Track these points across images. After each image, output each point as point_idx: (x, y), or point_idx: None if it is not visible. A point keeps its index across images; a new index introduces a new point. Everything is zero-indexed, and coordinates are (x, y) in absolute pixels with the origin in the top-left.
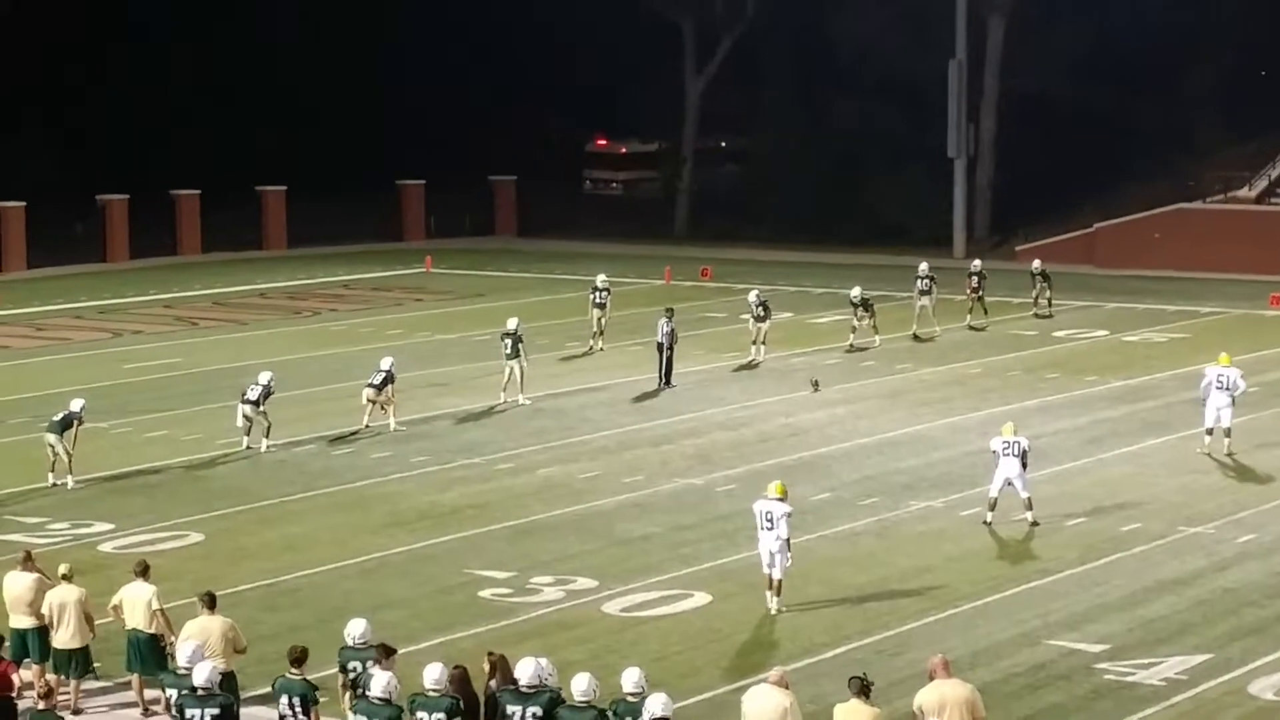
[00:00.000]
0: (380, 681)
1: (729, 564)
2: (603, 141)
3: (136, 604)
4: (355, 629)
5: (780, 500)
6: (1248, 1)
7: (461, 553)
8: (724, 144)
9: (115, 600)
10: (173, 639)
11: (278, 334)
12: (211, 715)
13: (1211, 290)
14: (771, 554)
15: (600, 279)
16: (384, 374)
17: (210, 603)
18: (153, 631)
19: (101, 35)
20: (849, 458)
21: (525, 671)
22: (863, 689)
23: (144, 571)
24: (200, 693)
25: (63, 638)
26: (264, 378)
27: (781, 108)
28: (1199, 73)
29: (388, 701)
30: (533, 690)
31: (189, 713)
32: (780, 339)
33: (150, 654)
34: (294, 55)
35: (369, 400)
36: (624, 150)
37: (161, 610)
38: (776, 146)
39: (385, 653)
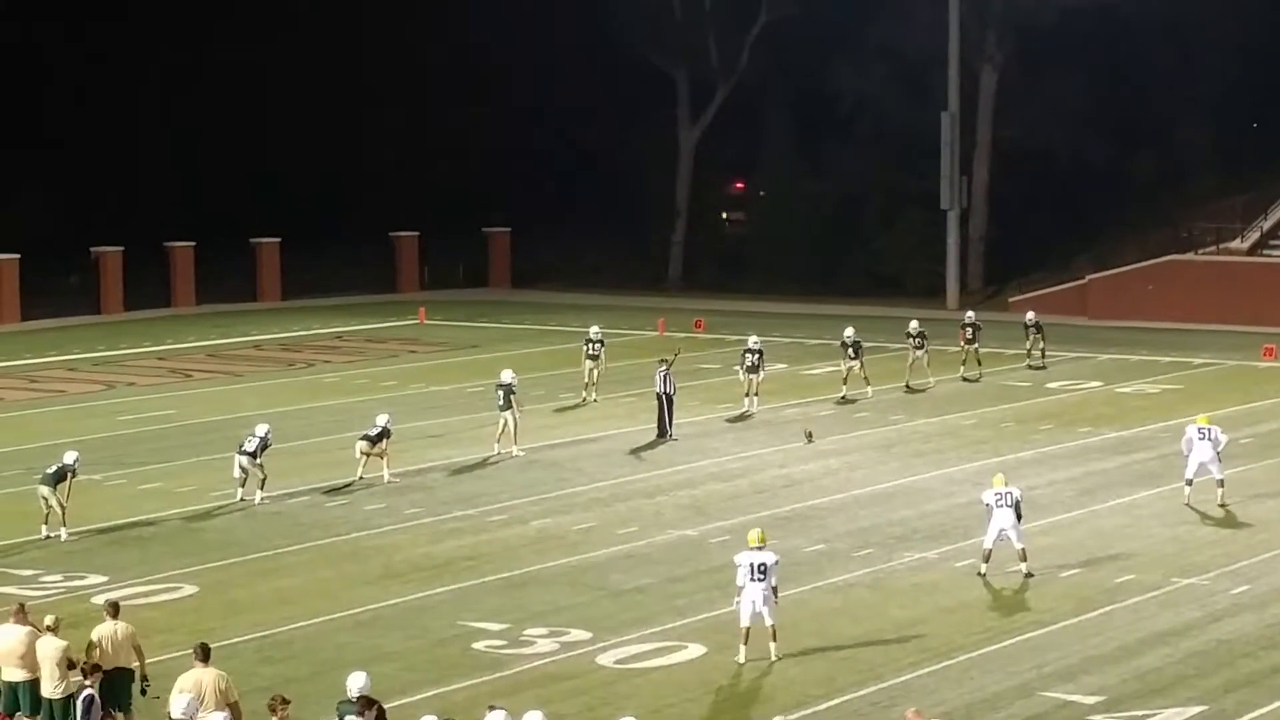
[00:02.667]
0: None
1: (723, 616)
2: (740, 184)
3: (121, 641)
4: (355, 682)
5: (765, 549)
6: (1241, 53)
7: (455, 605)
8: (726, 215)
9: (95, 638)
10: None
11: (272, 386)
12: None
13: (1204, 342)
14: (759, 603)
15: (594, 330)
16: (380, 429)
17: (204, 655)
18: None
19: (96, 88)
20: (843, 509)
21: None
22: None
23: (115, 611)
24: None
25: (46, 688)
26: (261, 430)
27: (777, 159)
28: (1192, 124)
29: None
30: None
31: None
32: (774, 390)
33: (131, 689)
34: (287, 107)
35: (363, 453)
36: (762, 194)
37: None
38: (772, 197)
39: (366, 704)
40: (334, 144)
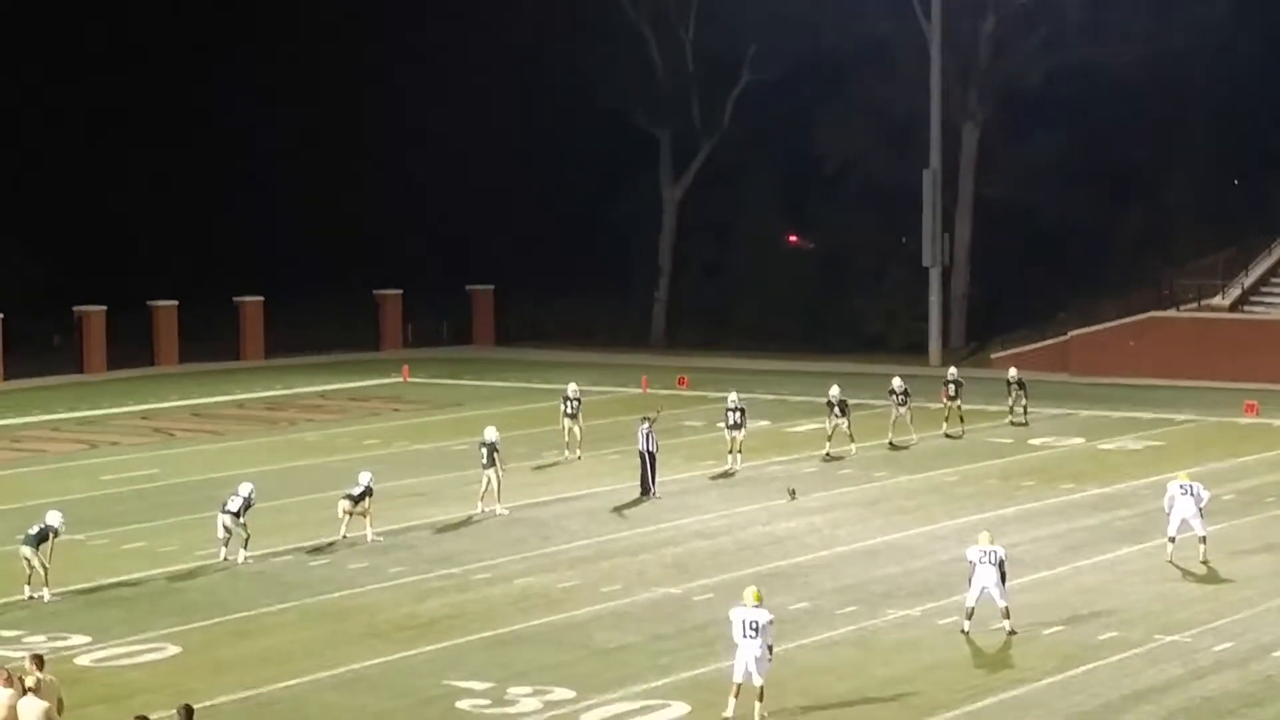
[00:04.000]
0: None
1: (708, 673)
2: (794, 239)
3: (51, 694)
4: None
5: (760, 607)
6: (1221, 111)
7: (439, 663)
8: (808, 243)
9: (31, 683)
10: None
11: (255, 445)
12: None
13: (1187, 398)
14: (753, 661)
15: (571, 388)
16: (363, 488)
17: (188, 716)
18: None
19: (78, 148)
20: (827, 566)
21: None
22: None
23: (41, 664)
24: None
25: None
26: (245, 489)
27: (760, 216)
28: (1173, 181)
29: None
30: None
31: None
32: (757, 447)
33: None
34: (270, 165)
35: (345, 511)
36: (812, 245)
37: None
38: (755, 255)
39: None
40: (317, 202)
